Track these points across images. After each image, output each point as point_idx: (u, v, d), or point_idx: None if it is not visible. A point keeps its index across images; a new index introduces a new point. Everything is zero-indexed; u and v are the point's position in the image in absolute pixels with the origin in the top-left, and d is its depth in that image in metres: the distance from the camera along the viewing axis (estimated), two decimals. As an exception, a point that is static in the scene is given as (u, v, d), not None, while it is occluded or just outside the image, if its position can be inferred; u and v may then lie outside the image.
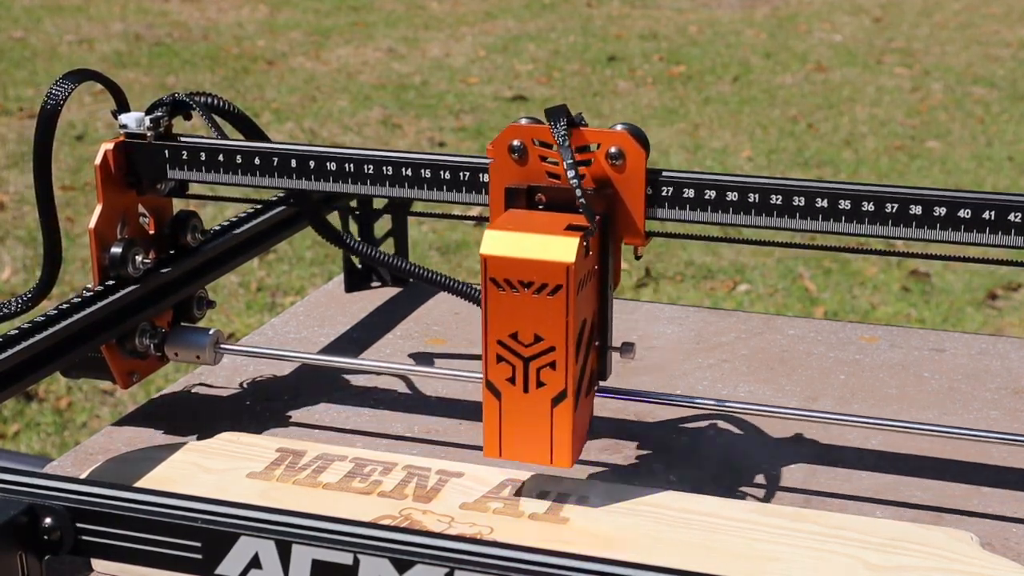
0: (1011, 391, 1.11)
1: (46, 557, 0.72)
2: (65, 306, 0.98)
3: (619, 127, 0.90)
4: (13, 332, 0.93)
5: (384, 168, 0.98)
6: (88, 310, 0.98)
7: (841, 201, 0.89)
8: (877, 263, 3.10)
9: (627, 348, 0.94)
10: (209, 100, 1.03)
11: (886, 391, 1.11)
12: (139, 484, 0.93)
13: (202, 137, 1.03)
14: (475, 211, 2.57)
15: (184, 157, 1.01)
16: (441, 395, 1.12)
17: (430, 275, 1.03)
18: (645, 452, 1.01)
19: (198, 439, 1.02)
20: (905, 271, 3.06)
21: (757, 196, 0.90)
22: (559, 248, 0.85)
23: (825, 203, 0.89)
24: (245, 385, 1.14)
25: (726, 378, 1.14)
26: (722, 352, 1.19)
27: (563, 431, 0.88)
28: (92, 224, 1.00)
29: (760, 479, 0.97)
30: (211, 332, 1.07)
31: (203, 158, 1.01)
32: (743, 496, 0.94)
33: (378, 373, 1.14)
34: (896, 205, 0.88)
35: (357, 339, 1.23)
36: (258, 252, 1.18)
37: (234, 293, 2.94)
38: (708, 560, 0.84)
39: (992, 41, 5.47)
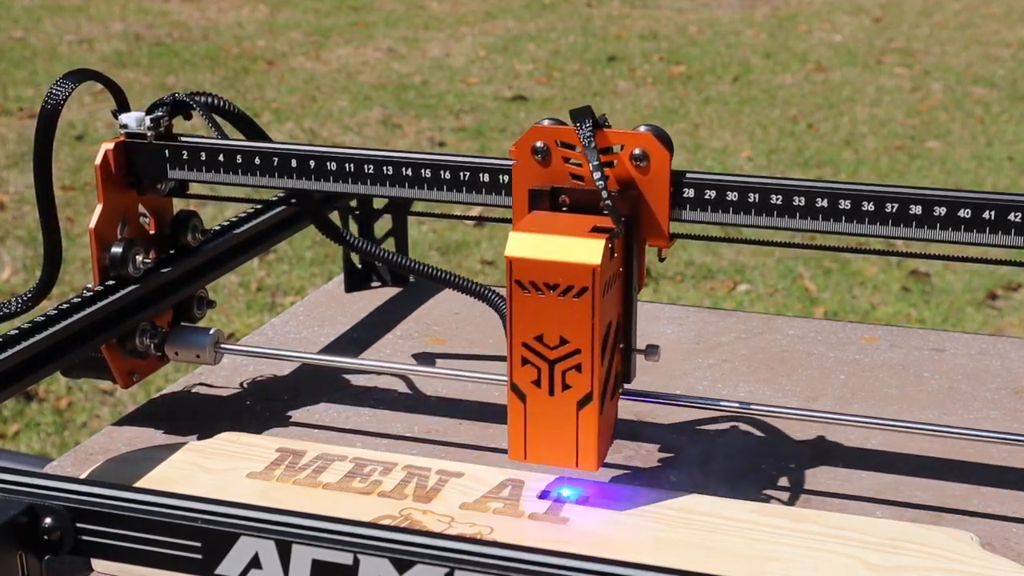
0: (1011, 391, 1.11)
1: (46, 557, 0.72)
2: (65, 306, 0.98)
3: (643, 128, 0.89)
4: (13, 332, 0.93)
5: (384, 168, 0.98)
6: (88, 310, 0.98)
7: (841, 201, 0.89)
8: (877, 263, 3.10)
9: (651, 350, 0.93)
10: (209, 100, 1.03)
11: (886, 391, 1.11)
12: (139, 484, 0.93)
13: (202, 137, 1.03)
14: (475, 211, 2.57)
15: (184, 157, 1.01)
16: (441, 395, 1.12)
17: (432, 271, 1.03)
18: (645, 452, 1.01)
19: (198, 439, 1.02)
20: (905, 271, 3.06)
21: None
22: (585, 250, 0.84)
23: (826, 203, 0.89)
24: (245, 385, 1.14)
25: (726, 378, 1.14)
26: (722, 352, 1.19)
27: (589, 434, 0.87)
28: (92, 224, 1.00)
29: (760, 479, 0.97)
30: (211, 332, 1.07)
31: (203, 158, 1.01)
32: (743, 496, 0.94)
33: (378, 373, 1.14)
34: (896, 205, 0.88)
35: (357, 339, 1.23)
36: (258, 252, 1.18)
37: (234, 293, 2.94)
38: (708, 560, 0.84)
39: (992, 41, 5.47)
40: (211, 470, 0.96)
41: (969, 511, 0.93)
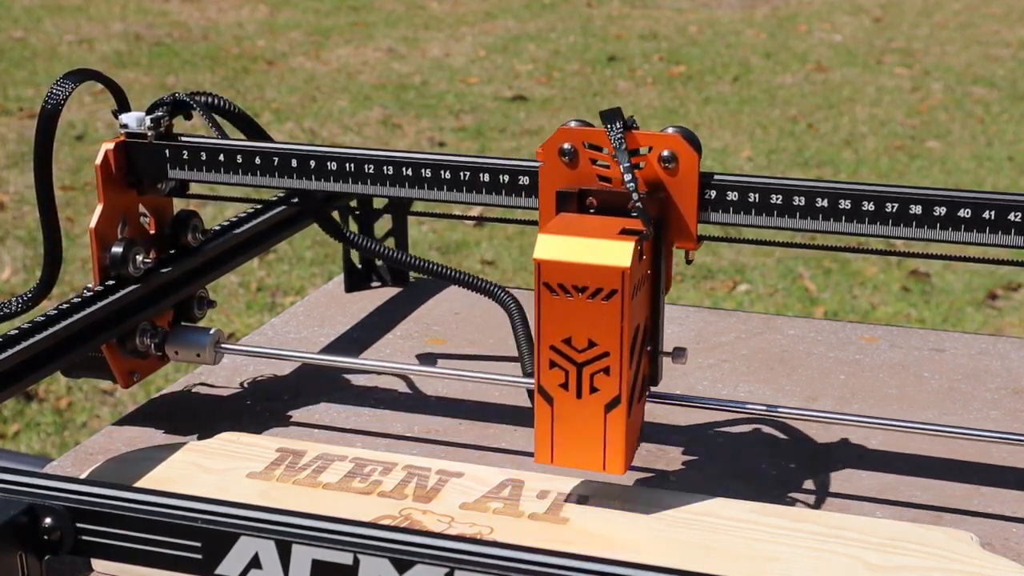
0: (1011, 391, 1.11)
1: (46, 557, 0.72)
2: (65, 306, 0.98)
3: (671, 130, 0.89)
4: (13, 332, 0.93)
5: (385, 168, 0.98)
6: (88, 310, 0.98)
7: (841, 201, 0.88)
8: (877, 263, 3.10)
9: (679, 353, 0.93)
10: (210, 100, 1.03)
11: (886, 391, 1.11)
12: (139, 484, 0.93)
13: (203, 137, 1.03)
14: (475, 211, 2.57)
15: (185, 157, 1.01)
16: (441, 395, 1.12)
17: (436, 268, 1.03)
18: (645, 452, 1.01)
19: (198, 439, 1.02)
20: (905, 271, 3.06)
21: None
22: (614, 252, 0.84)
23: (825, 202, 0.89)
24: (245, 385, 1.14)
25: (726, 378, 1.14)
26: (722, 352, 1.19)
27: (616, 437, 0.87)
28: (93, 224, 1.00)
29: (760, 479, 0.97)
30: (212, 332, 1.07)
31: (204, 158, 1.01)
32: (743, 496, 0.94)
33: (378, 373, 1.14)
34: (896, 205, 0.88)
35: (357, 339, 1.23)
36: (258, 252, 1.18)
37: (234, 293, 2.94)
38: (708, 560, 0.84)
39: (992, 41, 5.47)
40: (211, 470, 0.96)
41: (969, 511, 0.93)
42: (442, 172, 0.96)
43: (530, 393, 0.97)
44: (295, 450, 0.99)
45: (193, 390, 1.14)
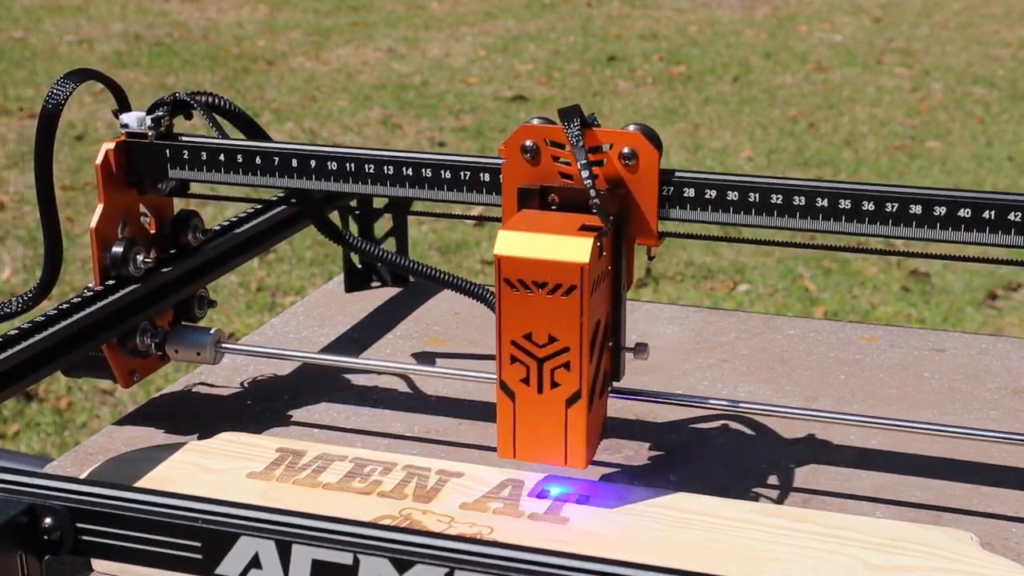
0: (1011, 391, 1.11)
1: (46, 557, 0.72)
2: (65, 306, 0.98)
3: (631, 127, 0.90)
4: (13, 332, 0.93)
5: (385, 168, 0.98)
6: (89, 309, 0.98)
7: (841, 200, 0.89)
8: (877, 263, 3.10)
9: (640, 348, 0.94)
10: (210, 100, 1.03)
11: (886, 391, 1.11)
12: (139, 484, 0.93)
13: (203, 137, 1.03)
14: (475, 211, 2.57)
15: (185, 157, 1.01)
16: (441, 395, 1.12)
17: (430, 272, 1.03)
18: (645, 452, 1.01)
19: (198, 439, 1.02)
20: (905, 271, 3.06)
21: (757, 196, 0.90)
22: (573, 248, 0.84)
23: (825, 202, 0.89)
24: (245, 385, 1.14)
25: (726, 378, 1.14)
26: (722, 352, 1.19)
27: (577, 432, 0.87)
28: (93, 223, 1.00)
29: (760, 479, 0.97)
30: (212, 331, 1.07)
31: (204, 158, 1.01)
32: (743, 496, 0.94)
33: (378, 373, 1.14)
34: (896, 204, 0.88)
35: (357, 339, 1.23)
36: (258, 252, 1.18)
37: (234, 293, 2.94)
38: (708, 560, 0.84)
39: (992, 41, 5.47)
40: (211, 470, 0.96)
41: (969, 511, 0.93)
42: (442, 172, 0.96)
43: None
44: (295, 450, 0.99)
45: (193, 390, 1.14)
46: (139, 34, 5.55)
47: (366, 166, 0.98)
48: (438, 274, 1.03)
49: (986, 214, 0.86)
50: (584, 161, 0.87)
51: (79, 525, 0.71)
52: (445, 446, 1.03)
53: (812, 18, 5.94)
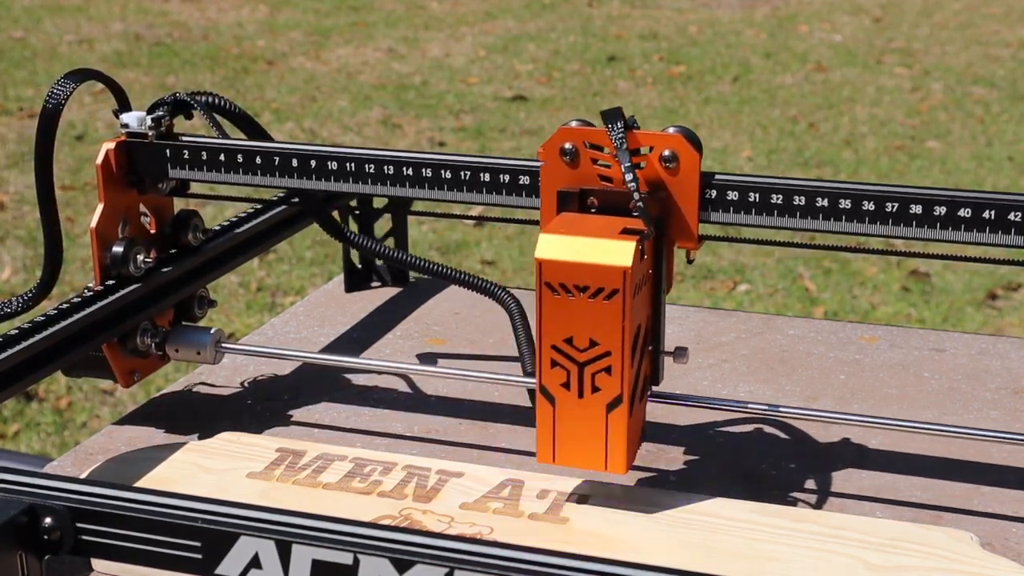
0: (1011, 391, 1.11)
1: (46, 557, 0.72)
2: (65, 306, 0.98)
3: (671, 130, 0.89)
4: (13, 332, 0.93)
5: (385, 167, 0.98)
6: (89, 309, 0.98)
7: (842, 200, 0.88)
8: (877, 263, 3.10)
9: (680, 353, 0.93)
10: (210, 99, 1.03)
11: (886, 391, 1.11)
12: (139, 484, 0.93)
13: (203, 137, 1.03)
14: (475, 211, 2.57)
15: (185, 156, 1.01)
16: (441, 395, 1.12)
17: (437, 268, 1.03)
18: (645, 452, 1.01)
19: (198, 439, 1.02)
20: (905, 271, 3.06)
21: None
22: (616, 252, 0.84)
23: (825, 202, 0.89)
24: (245, 385, 1.14)
25: (726, 378, 1.14)
26: (722, 352, 1.19)
27: (618, 437, 0.87)
28: (94, 223, 1.00)
29: (760, 479, 0.97)
30: (212, 331, 1.07)
31: (204, 157, 1.01)
32: (743, 496, 0.94)
33: (378, 373, 1.14)
34: (896, 204, 0.88)
35: (357, 339, 1.23)
36: (259, 252, 1.18)
37: (234, 293, 2.94)
38: (708, 560, 0.84)
39: (992, 41, 5.47)
40: (211, 470, 0.96)
41: (969, 511, 0.93)
42: (442, 172, 0.96)
43: (531, 393, 0.97)
44: (295, 450, 0.99)
45: (193, 390, 1.14)
46: (139, 34, 5.55)
47: (366, 166, 0.98)
48: (441, 269, 1.03)
49: (986, 214, 0.86)
50: (628, 164, 0.86)
51: (79, 525, 0.71)
52: (445, 446, 1.03)
53: (812, 18, 5.94)
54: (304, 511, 0.70)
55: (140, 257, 1.02)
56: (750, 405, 1.00)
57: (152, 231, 1.06)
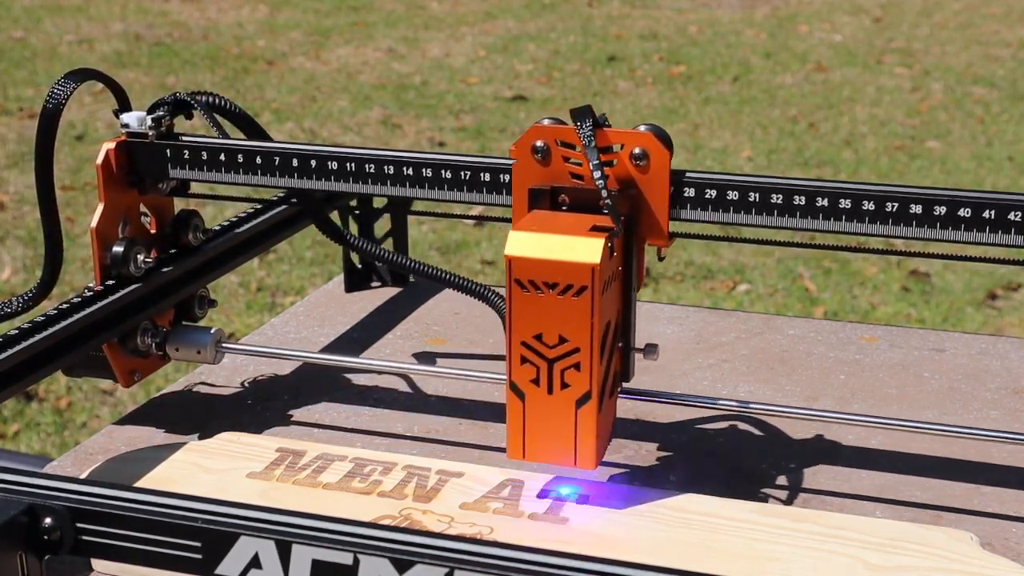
0: (1011, 391, 1.11)
1: (46, 557, 0.72)
2: (65, 306, 0.98)
3: (642, 128, 0.90)
4: (13, 332, 0.93)
5: (385, 167, 0.98)
6: (89, 309, 0.98)
7: (842, 200, 0.88)
8: (877, 263, 3.10)
9: (650, 349, 0.94)
10: (210, 99, 1.03)
11: (886, 391, 1.11)
12: (139, 484, 0.93)
13: (204, 137, 1.03)
14: (475, 211, 2.57)
15: (186, 156, 1.01)
16: (441, 395, 1.12)
17: (432, 271, 1.03)
18: (645, 452, 1.01)
19: (198, 439, 1.03)
20: (905, 271, 3.06)
21: (757, 195, 0.90)
22: (584, 249, 0.84)
23: (826, 202, 0.89)
24: (245, 385, 1.14)
25: (726, 378, 1.14)
26: (722, 352, 1.19)
27: (587, 433, 0.87)
28: (94, 223, 1.00)
29: (760, 479, 0.97)
30: (213, 331, 1.07)
31: (205, 157, 1.01)
32: (743, 496, 0.94)
33: (378, 372, 1.14)
34: (896, 204, 0.88)
35: (357, 339, 1.23)
36: (259, 252, 1.18)
37: (234, 293, 2.94)
38: (708, 560, 0.84)
39: (992, 41, 5.47)
40: (211, 470, 0.96)
41: (969, 511, 0.93)
42: (442, 172, 0.96)
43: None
44: (295, 450, 0.99)
45: (193, 390, 1.14)
46: (139, 34, 5.55)
47: (366, 166, 0.98)
48: (438, 273, 1.03)
49: (986, 214, 0.86)
50: (596, 161, 0.87)
51: (79, 525, 0.71)
52: (445, 446, 1.03)
53: (812, 18, 5.94)
54: (304, 511, 0.70)
55: (140, 257, 1.02)
56: (750, 405, 1.00)
57: (152, 231, 1.06)
